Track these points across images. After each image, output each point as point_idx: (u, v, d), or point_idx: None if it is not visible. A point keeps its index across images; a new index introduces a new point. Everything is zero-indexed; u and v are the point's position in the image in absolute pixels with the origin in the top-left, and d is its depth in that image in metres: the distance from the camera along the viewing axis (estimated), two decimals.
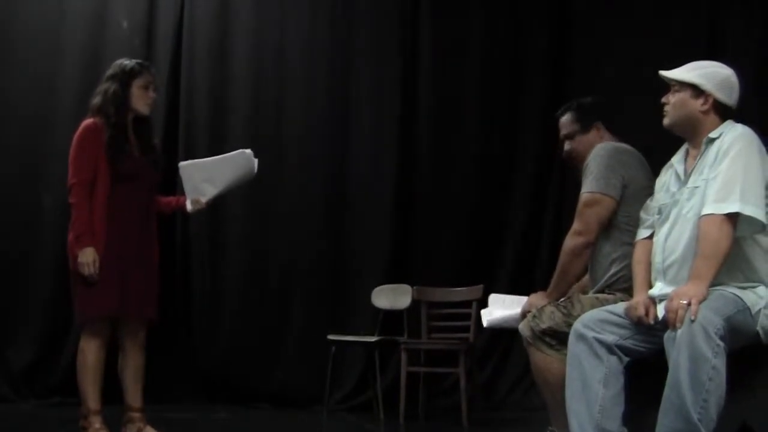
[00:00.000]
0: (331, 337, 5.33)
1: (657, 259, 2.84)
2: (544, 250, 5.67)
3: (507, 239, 5.86)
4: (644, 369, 2.83)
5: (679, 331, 2.49)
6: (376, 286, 5.62)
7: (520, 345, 3.58)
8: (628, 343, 2.77)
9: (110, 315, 3.61)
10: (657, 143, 3.12)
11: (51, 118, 5.85)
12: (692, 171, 2.84)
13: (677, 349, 2.48)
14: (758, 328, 2.63)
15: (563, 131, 3.41)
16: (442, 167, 5.90)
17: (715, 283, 2.63)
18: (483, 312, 3.48)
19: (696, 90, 2.85)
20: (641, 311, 2.73)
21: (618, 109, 3.66)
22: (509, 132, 5.94)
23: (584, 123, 3.35)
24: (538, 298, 3.22)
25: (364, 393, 5.60)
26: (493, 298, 3.46)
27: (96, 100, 3.70)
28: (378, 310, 5.57)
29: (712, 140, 2.80)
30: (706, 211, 2.66)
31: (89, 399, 3.59)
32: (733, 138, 2.74)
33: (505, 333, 3.82)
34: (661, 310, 2.70)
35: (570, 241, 3.16)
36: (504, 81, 5.96)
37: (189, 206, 3.88)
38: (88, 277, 3.48)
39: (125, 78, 3.69)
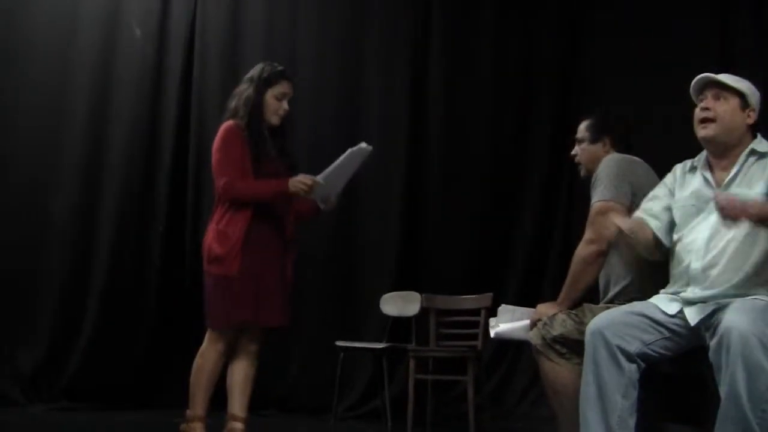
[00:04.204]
0: (339, 343, 5.33)
1: (694, 264, 2.79)
2: (553, 258, 5.66)
3: (516, 247, 5.85)
4: (656, 377, 2.82)
5: (734, 342, 2.47)
6: (384, 293, 5.62)
7: (528, 354, 3.58)
8: (649, 349, 2.74)
9: (243, 324, 3.56)
10: (668, 153, 3.12)
11: (61, 125, 5.90)
12: (731, 182, 2.81)
13: (733, 363, 2.46)
14: None
15: (577, 134, 3.46)
16: (451, 175, 5.90)
17: (751, 293, 2.65)
18: (491, 321, 3.47)
19: (744, 101, 2.82)
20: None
21: (631, 124, 3.66)
22: (519, 140, 5.94)
23: (595, 134, 3.39)
24: (547, 308, 3.21)
25: (372, 400, 5.59)
26: (503, 309, 3.44)
27: (233, 102, 3.65)
28: (386, 317, 5.57)
29: (756, 152, 2.80)
30: None
31: (197, 404, 3.55)
32: None
33: (513, 342, 3.81)
34: (692, 314, 2.69)
35: (582, 250, 3.15)
36: (513, 89, 5.97)
37: (321, 206, 3.77)
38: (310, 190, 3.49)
39: (260, 85, 3.62)
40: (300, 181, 3.50)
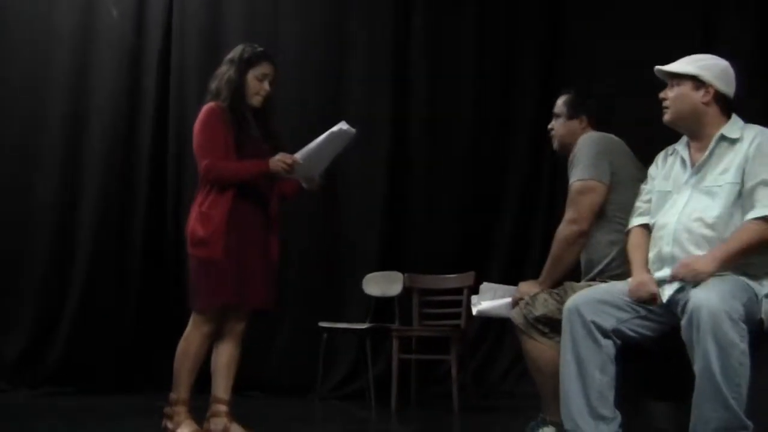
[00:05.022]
0: (322, 324, 5.34)
1: (665, 248, 2.82)
2: (536, 237, 5.68)
3: (499, 226, 5.86)
4: (636, 354, 2.85)
5: (703, 320, 2.49)
6: (367, 274, 5.63)
7: (511, 332, 3.59)
8: (625, 327, 2.78)
9: (227, 305, 3.54)
10: (651, 143, 3.13)
11: (42, 105, 5.84)
12: (703, 166, 2.84)
13: (703, 339, 2.49)
14: (762, 315, 2.67)
15: (555, 109, 3.47)
16: (434, 155, 5.89)
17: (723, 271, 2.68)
18: (473, 299, 3.49)
19: (696, 82, 2.86)
20: (652, 289, 2.75)
21: (611, 108, 3.66)
22: (502, 120, 5.93)
23: (573, 110, 3.40)
24: (529, 286, 3.23)
25: (355, 380, 5.61)
26: (485, 287, 3.46)
27: (214, 84, 3.62)
28: (369, 298, 5.58)
29: (727, 138, 2.82)
30: (760, 213, 2.69)
31: (181, 387, 3.54)
32: (762, 141, 2.76)
33: (496, 320, 3.83)
34: (665, 293, 2.72)
35: (564, 230, 3.17)
36: (498, 64, 5.95)
37: (304, 185, 3.72)
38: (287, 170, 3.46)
39: (241, 65, 3.58)
40: (280, 160, 3.49)
